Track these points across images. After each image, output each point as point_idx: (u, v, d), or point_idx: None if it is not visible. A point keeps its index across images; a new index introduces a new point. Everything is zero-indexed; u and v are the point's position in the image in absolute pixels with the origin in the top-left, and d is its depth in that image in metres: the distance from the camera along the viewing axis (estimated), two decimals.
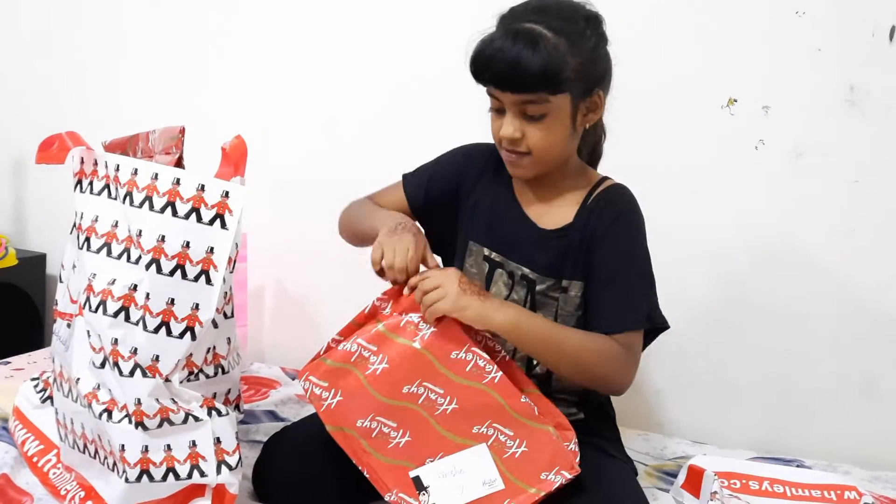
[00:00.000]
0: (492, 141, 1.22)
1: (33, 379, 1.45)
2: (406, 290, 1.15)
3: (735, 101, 1.62)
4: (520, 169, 1.20)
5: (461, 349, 1.13)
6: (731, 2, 1.60)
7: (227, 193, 1.08)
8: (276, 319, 2.09)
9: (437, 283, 1.12)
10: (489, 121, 1.20)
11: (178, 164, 1.17)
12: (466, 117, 1.30)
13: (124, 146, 1.24)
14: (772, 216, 1.63)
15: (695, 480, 1.28)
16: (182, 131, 1.18)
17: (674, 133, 1.66)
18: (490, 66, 1.12)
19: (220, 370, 1.18)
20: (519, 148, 1.17)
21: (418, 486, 1.10)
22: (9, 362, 1.77)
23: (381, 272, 1.17)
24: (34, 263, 2.27)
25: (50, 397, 1.35)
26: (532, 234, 1.24)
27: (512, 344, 1.16)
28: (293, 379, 1.81)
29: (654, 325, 1.22)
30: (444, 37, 1.44)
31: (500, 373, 1.12)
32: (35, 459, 1.28)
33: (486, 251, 1.27)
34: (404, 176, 1.36)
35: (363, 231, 1.29)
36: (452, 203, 1.31)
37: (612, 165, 1.32)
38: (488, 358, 1.13)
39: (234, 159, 1.10)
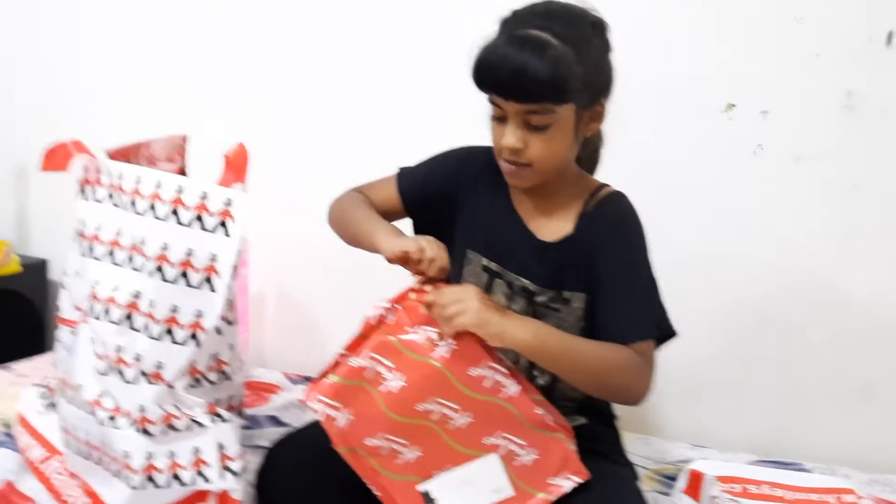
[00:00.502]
0: (490, 144, 1.19)
1: (37, 385, 1.45)
2: (423, 309, 1.10)
3: (734, 105, 1.63)
4: (519, 180, 1.18)
5: (479, 365, 1.09)
6: (730, 7, 1.61)
7: (229, 201, 1.08)
8: (277, 324, 2.10)
9: (456, 297, 1.08)
10: (490, 127, 1.18)
11: (181, 172, 1.18)
12: (467, 119, 1.28)
13: (128, 154, 1.24)
14: (770, 220, 1.64)
15: (695, 485, 1.28)
16: (185, 139, 1.19)
17: (672, 137, 1.67)
18: (494, 73, 1.08)
19: (223, 376, 1.18)
20: (520, 159, 1.14)
21: (427, 500, 1.09)
22: (12, 369, 1.77)
23: (409, 261, 1.11)
24: (37, 270, 2.27)
25: (54, 404, 1.35)
26: (530, 246, 1.22)
27: (532, 360, 1.12)
28: (294, 384, 1.81)
29: (664, 332, 1.21)
30: (445, 37, 1.44)
31: (518, 386, 1.10)
32: (39, 466, 1.28)
33: (485, 261, 1.24)
34: (399, 171, 1.33)
35: (356, 234, 1.25)
36: (448, 206, 1.28)
37: (610, 170, 1.32)
38: (506, 372, 1.10)
39: (236, 166, 1.10)
